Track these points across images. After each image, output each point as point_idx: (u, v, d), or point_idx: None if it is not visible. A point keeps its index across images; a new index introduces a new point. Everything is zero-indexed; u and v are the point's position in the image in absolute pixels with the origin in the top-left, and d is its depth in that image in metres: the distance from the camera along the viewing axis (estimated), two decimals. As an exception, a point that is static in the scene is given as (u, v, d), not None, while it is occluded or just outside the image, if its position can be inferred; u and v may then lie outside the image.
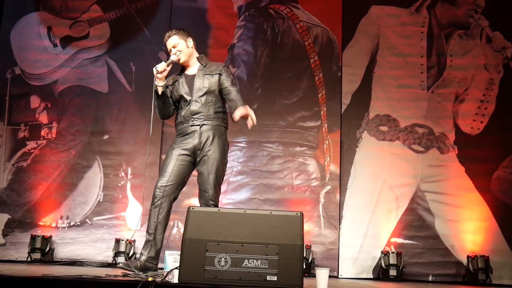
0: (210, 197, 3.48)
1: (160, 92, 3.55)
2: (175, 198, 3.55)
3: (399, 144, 5.63)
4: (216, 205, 3.52)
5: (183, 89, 3.60)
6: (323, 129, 5.70)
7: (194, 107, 3.54)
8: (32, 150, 5.83)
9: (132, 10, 6.09)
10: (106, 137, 5.83)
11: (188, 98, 3.57)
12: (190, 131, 3.54)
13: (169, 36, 3.66)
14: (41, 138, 5.85)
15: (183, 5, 6.07)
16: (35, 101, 5.94)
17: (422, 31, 5.83)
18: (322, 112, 5.73)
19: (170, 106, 3.68)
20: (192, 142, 3.52)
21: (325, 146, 5.66)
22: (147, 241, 3.47)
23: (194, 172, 3.61)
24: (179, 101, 3.63)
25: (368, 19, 5.91)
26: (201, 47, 5.75)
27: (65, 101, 5.93)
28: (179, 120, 3.63)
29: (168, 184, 3.47)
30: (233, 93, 3.53)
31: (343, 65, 5.80)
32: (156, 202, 3.47)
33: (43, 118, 5.90)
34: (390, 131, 5.66)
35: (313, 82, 5.80)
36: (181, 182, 3.54)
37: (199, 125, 3.53)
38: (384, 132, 5.66)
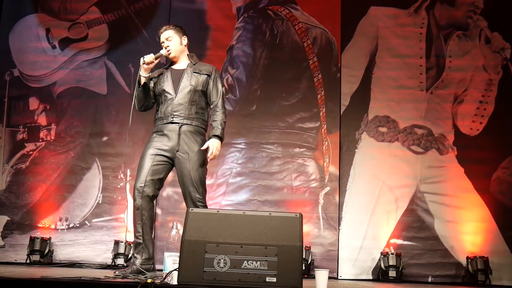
0: (198, 199, 3.46)
1: (142, 83, 3.54)
2: (154, 196, 3.51)
3: (398, 145, 5.63)
4: (205, 206, 3.51)
5: (167, 83, 3.59)
6: (322, 130, 5.69)
7: (176, 104, 3.52)
8: (31, 152, 5.82)
9: (131, 11, 6.09)
10: (105, 138, 5.83)
11: (171, 93, 3.55)
12: (168, 130, 3.51)
13: (165, 29, 3.68)
14: (40, 140, 5.85)
15: (181, 6, 6.07)
16: (33, 103, 5.94)
17: (421, 32, 5.83)
18: (321, 113, 5.73)
19: (151, 99, 3.66)
20: (169, 142, 3.49)
21: (324, 147, 5.66)
22: (137, 244, 3.46)
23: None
24: (161, 95, 3.60)
25: (367, 20, 5.91)
26: (200, 49, 5.78)
27: (63, 103, 5.93)
28: (158, 115, 3.59)
29: (145, 184, 3.45)
30: (218, 114, 3.54)
31: (342, 66, 5.80)
32: (137, 204, 3.45)
33: (42, 120, 5.90)
34: (389, 132, 5.66)
35: (312, 83, 5.80)
36: (158, 181, 3.50)
37: (178, 123, 3.49)
38: (383, 133, 5.66)
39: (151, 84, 3.65)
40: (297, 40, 5.90)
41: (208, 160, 3.49)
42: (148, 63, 3.52)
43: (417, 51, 5.80)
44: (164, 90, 3.58)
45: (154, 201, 3.55)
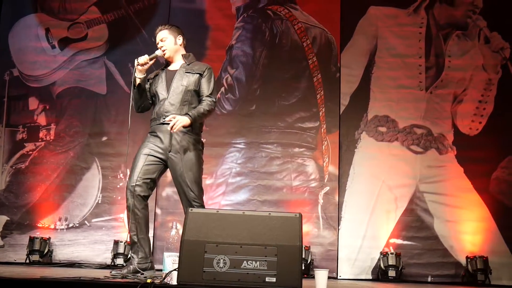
0: (193, 198, 3.45)
1: (136, 84, 3.55)
2: (147, 197, 3.49)
3: (398, 145, 5.63)
4: (201, 205, 3.50)
5: (160, 85, 3.59)
6: (322, 130, 5.69)
7: (168, 105, 3.52)
8: (31, 152, 5.82)
9: (130, 11, 6.09)
10: (104, 138, 5.83)
11: (163, 94, 3.56)
12: (160, 130, 3.51)
13: (160, 30, 3.70)
14: (40, 140, 5.85)
15: (181, 6, 6.07)
16: (33, 103, 5.93)
17: (420, 32, 5.83)
18: (320, 113, 5.73)
19: (147, 99, 3.67)
20: (162, 143, 3.49)
21: (323, 147, 5.66)
22: (133, 244, 3.45)
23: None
24: (155, 96, 3.62)
25: (366, 20, 5.91)
26: (199, 48, 5.78)
27: (63, 103, 5.93)
28: (152, 116, 3.61)
29: (137, 184, 3.44)
30: (202, 103, 3.51)
31: (341, 66, 5.80)
32: (129, 204, 3.44)
33: (42, 119, 5.89)
34: (388, 132, 5.66)
35: (312, 83, 5.80)
36: (150, 181, 3.49)
37: (169, 124, 3.50)
38: (382, 133, 5.66)
39: (147, 85, 3.65)
40: (296, 40, 5.90)
41: (169, 128, 3.36)
42: (142, 64, 3.53)
43: (416, 51, 5.80)
44: (157, 91, 3.59)
45: (149, 201, 3.54)
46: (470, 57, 5.75)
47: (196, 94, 3.58)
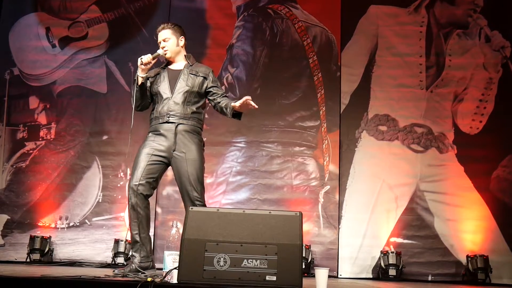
0: (196, 197, 3.47)
1: (139, 83, 3.55)
2: (149, 196, 3.50)
3: (398, 144, 5.63)
4: (203, 204, 3.51)
5: (163, 84, 3.60)
6: (322, 129, 5.69)
7: (172, 104, 3.54)
8: (31, 151, 5.82)
9: (131, 10, 6.09)
10: (105, 137, 5.83)
11: (167, 93, 3.57)
12: (164, 129, 3.52)
13: (163, 28, 3.70)
14: (40, 139, 5.85)
15: (181, 5, 6.07)
16: (34, 102, 5.94)
17: (421, 31, 5.83)
18: (321, 112, 5.73)
19: (147, 98, 3.68)
20: (166, 141, 3.50)
21: (324, 146, 5.66)
22: (134, 243, 3.46)
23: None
24: (157, 95, 3.62)
25: (367, 18, 5.91)
26: (200, 47, 5.78)
27: (64, 102, 5.93)
28: (154, 115, 3.61)
29: (140, 183, 3.45)
30: (225, 99, 3.63)
31: (342, 65, 5.80)
32: (132, 203, 3.45)
33: (42, 118, 5.90)
34: (389, 130, 5.66)
35: (312, 82, 5.80)
36: (153, 181, 3.51)
37: (174, 123, 3.50)
38: (383, 132, 5.66)
39: (148, 84, 3.66)
40: (297, 39, 5.90)
41: (253, 104, 3.44)
42: (146, 64, 3.54)
43: (417, 50, 5.80)
44: (160, 90, 3.59)
45: (149, 200, 3.55)
46: (471, 56, 5.75)
47: (198, 95, 3.62)
